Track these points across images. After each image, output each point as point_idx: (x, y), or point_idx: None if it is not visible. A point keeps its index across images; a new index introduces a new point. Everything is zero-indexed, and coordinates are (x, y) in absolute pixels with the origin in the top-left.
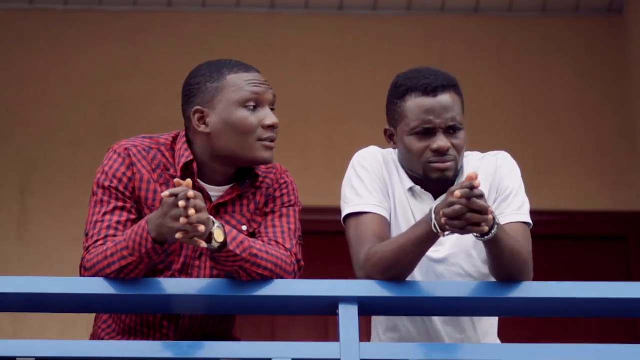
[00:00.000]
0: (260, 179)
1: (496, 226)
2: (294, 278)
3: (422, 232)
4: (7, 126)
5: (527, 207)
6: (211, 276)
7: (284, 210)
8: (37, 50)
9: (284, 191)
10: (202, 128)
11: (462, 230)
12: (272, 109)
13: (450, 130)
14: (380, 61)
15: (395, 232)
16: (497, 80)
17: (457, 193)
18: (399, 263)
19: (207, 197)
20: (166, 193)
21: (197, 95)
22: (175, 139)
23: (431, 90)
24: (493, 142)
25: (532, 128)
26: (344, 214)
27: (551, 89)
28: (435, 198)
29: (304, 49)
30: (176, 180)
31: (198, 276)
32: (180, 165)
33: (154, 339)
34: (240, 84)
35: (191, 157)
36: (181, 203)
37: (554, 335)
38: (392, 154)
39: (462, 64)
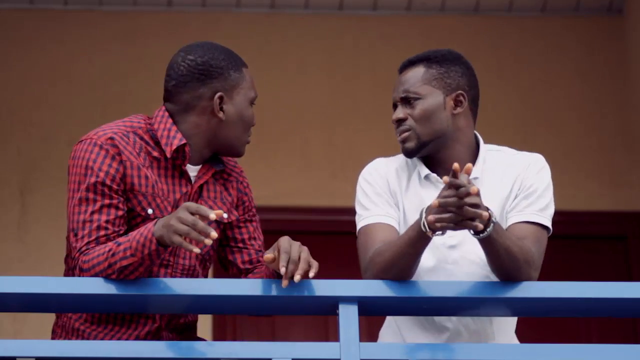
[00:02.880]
0: (229, 169)
1: (492, 224)
2: None
3: (413, 232)
4: (7, 126)
5: (550, 211)
6: (190, 266)
7: (255, 219)
8: (37, 50)
9: (250, 195)
10: (221, 114)
11: (456, 226)
12: None
13: (406, 102)
14: (380, 61)
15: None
16: (496, 81)
17: (439, 198)
18: (397, 264)
19: (188, 180)
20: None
21: (217, 79)
22: (146, 121)
23: (399, 69)
24: (493, 142)
25: (532, 128)
26: (357, 230)
27: (551, 89)
28: None
29: (304, 49)
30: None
31: (184, 258)
32: (174, 147)
33: (137, 324)
34: (250, 81)
35: (184, 141)
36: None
37: (554, 335)
38: (399, 158)
39: None
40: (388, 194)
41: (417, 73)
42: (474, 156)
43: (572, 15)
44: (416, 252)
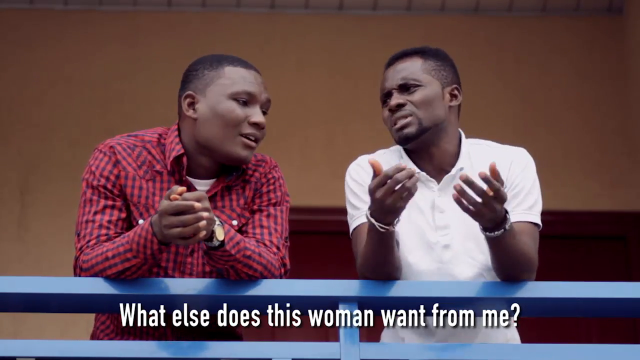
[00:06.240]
0: (250, 172)
1: (508, 222)
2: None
3: (371, 232)
4: (7, 126)
5: (538, 207)
6: (204, 273)
7: (272, 209)
8: (37, 50)
9: (271, 187)
10: (190, 113)
11: (472, 212)
12: (264, 112)
13: (405, 89)
14: (380, 61)
15: (406, 230)
16: (496, 80)
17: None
18: (371, 265)
19: None
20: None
21: (192, 81)
22: (161, 135)
23: (390, 61)
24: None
25: (532, 128)
26: (350, 230)
27: (551, 89)
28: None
29: (304, 48)
30: (180, 188)
31: (191, 273)
32: (171, 159)
33: (153, 337)
34: (236, 77)
35: (182, 151)
36: (175, 204)
37: (554, 335)
38: (385, 153)
39: (462, 64)
40: None
41: (416, 63)
42: (458, 150)
43: (572, 15)
44: (380, 250)
